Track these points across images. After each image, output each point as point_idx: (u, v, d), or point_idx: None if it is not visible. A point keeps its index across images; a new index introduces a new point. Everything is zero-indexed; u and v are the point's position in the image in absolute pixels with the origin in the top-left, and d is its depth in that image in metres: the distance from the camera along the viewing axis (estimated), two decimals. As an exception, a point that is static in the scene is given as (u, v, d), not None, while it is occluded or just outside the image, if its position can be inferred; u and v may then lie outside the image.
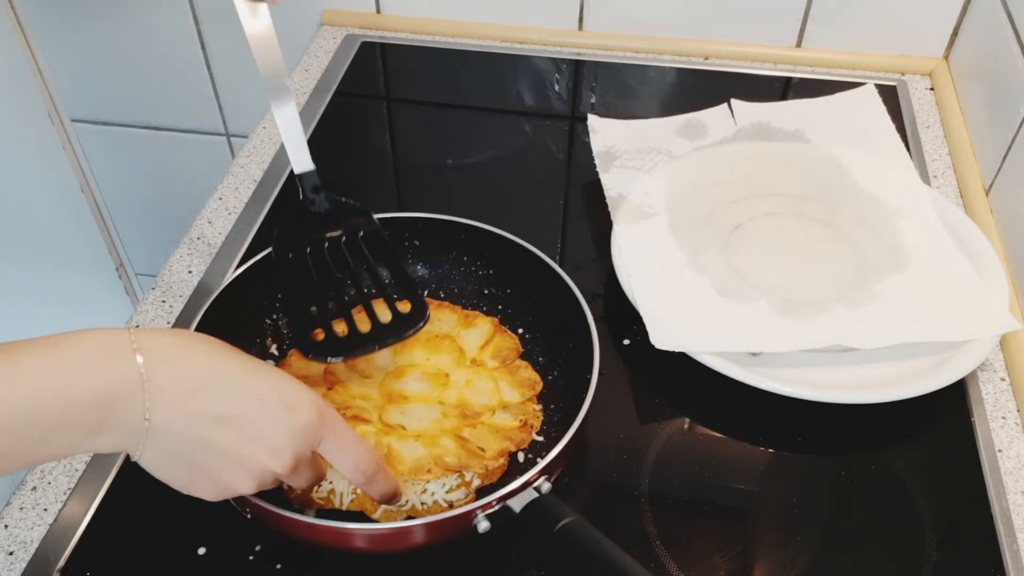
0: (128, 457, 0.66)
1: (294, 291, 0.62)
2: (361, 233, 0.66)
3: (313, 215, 0.66)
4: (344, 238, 0.66)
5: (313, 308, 0.63)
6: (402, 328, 0.62)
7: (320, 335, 0.62)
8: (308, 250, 0.65)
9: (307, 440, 0.50)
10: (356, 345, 0.62)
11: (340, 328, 0.63)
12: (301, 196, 0.66)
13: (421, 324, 0.62)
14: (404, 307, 0.64)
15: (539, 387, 0.68)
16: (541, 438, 0.65)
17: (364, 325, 0.63)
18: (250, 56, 0.62)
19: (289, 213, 0.65)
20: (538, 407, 0.67)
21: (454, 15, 1.13)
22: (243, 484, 0.50)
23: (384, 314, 0.63)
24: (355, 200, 0.67)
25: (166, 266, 0.82)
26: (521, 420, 0.64)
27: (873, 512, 0.64)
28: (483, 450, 0.61)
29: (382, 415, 0.64)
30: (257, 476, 0.50)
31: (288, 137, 0.65)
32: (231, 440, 0.48)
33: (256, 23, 0.62)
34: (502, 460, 0.62)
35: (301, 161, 0.65)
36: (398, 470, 0.59)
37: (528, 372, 0.68)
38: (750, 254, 0.80)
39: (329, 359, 0.61)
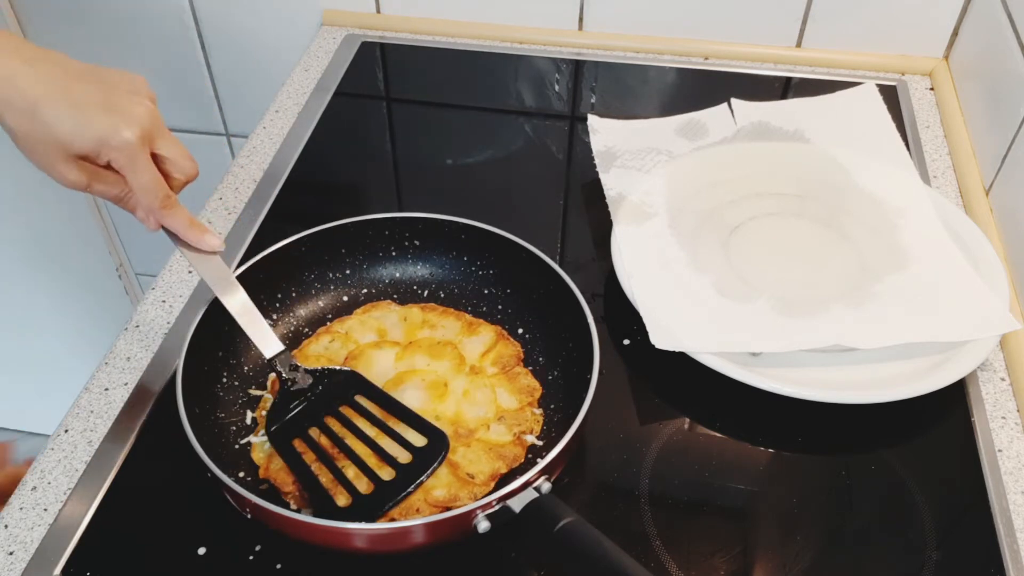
0: (128, 457, 0.66)
1: (305, 470, 0.61)
2: (351, 390, 0.65)
3: (298, 392, 0.65)
4: (336, 401, 0.64)
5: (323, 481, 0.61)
6: (425, 463, 0.60)
7: (344, 500, 0.60)
8: (306, 426, 0.63)
9: (154, 121, 0.59)
10: (385, 496, 0.59)
11: (363, 486, 0.60)
12: (279, 378, 0.65)
13: (444, 452, 0.60)
14: (419, 440, 0.62)
15: (538, 394, 0.68)
16: (541, 442, 0.65)
17: (386, 473, 0.60)
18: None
19: (276, 401, 0.64)
20: (538, 411, 0.67)
21: (454, 15, 1.13)
22: (105, 122, 0.57)
23: (403, 455, 0.61)
24: (326, 368, 0.67)
25: (166, 266, 0.82)
26: (516, 434, 0.64)
27: (873, 512, 0.64)
28: (472, 477, 0.61)
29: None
30: (127, 119, 0.57)
31: (248, 325, 0.64)
32: (96, 87, 0.58)
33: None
34: (492, 485, 0.61)
35: (271, 345, 0.64)
36: (388, 513, 0.59)
37: (528, 379, 0.68)
38: (750, 254, 0.80)
39: (365, 523, 0.58)
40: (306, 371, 0.65)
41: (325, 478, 0.60)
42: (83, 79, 0.58)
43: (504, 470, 0.62)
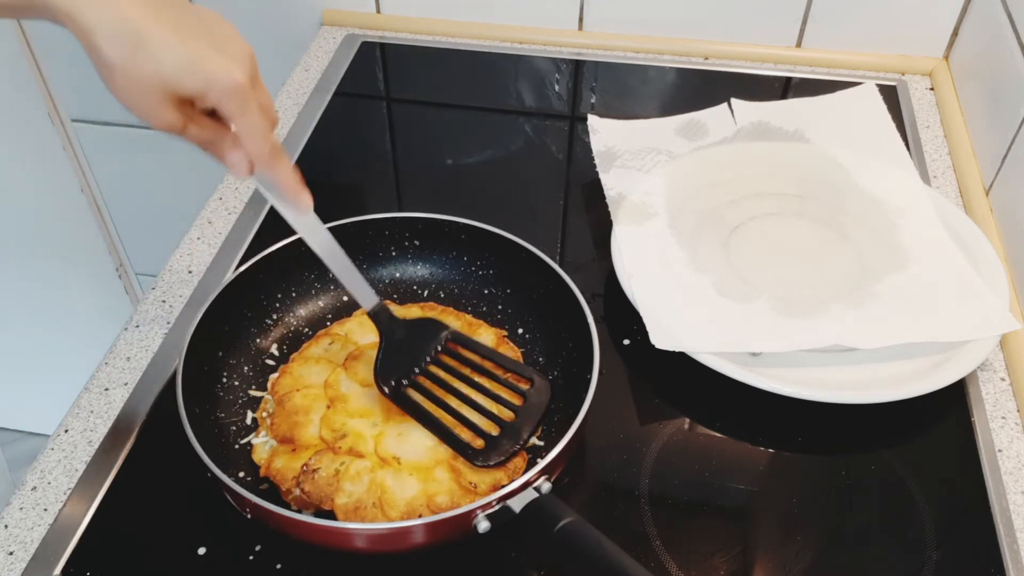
0: (128, 457, 0.66)
1: (435, 422, 0.64)
2: (447, 338, 0.68)
3: (398, 342, 0.67)
4: (436, 349, 0.67)
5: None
6: (540, 401, 0.65)
7: (478, 442, 0.63)
8: (416, 376, 0.66)
9: (255, 64, 0.54)
10: (515, 435, 0.63)
11: (487, 424, 0.64)
12: (380, 331, 0.66)
13: (550, 389, 0.65)
14: (524, 385, 0.66)
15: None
16: (542, 443, 0.65)
17: (507, 415, 0.64)
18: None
19: (381, 356, 0.66)
20: None
21: (454, 15, 1.13)
22: (219, 61, 0.51)
23: (514, 398, 0.65)
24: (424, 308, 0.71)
25: (166, 266, 0.82)
26: None
27: (873, 512, 0.64)
28: (475, 486, 0.61)
29: (378, 442, 0.63)
30: (231, 61, 0.52)
31: (348, 282, 0.65)
32: (199, 21, 0.53)
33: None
34: (492, 494, 0.61)
35: (368, 299, 0.66)
36: (390, 515, 0.59)
37: None
38: (750, 254, 0.80)
39: (503, 460, 0.62)
40: (404, 323, 0.67)
41: (451, 423, 0.63)
42: (179, 10, 0.52)
43: (505, 481, 0.61)
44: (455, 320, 0.72)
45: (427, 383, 0.66)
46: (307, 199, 0.60)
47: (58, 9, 0.49)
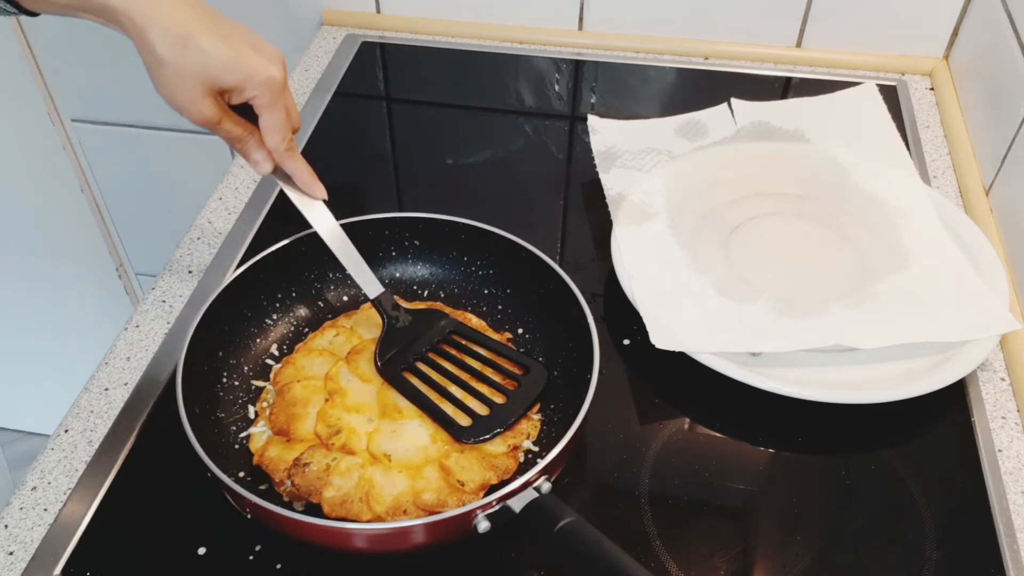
0: (128, 457, 0.66)
1: (424, 399, 0.65)
2: (448, 329, 0.70)
3: (400, 330, 0.69)
4: (437, 338, 0.70)
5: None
6: (533, 387, 0.66)
7: (466, 420, 0.64)
8: (413, 360, 0.68)
9: (286, 69, 0.62)
10: (505, 415, 0.65)
11: (478, 406, 0.66)
12: (384, 318, 0.69)
13: (548, 377, 0.67)
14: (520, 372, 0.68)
15: (537, 406, 0.67)
16: (537, 447, 0.65)
17: (499, 398, 0.66)
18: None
19: (383, 339, 0.69)
20: (536, 416, 0.67)
21: (454, 15, 1.13)
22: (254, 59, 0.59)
23: (508, 384, 0.67)
24: (426, 297, 0.74)
25: (166, 266, 0.82)
26: (510, 445, 0.64)
27: (873, 512, 0.64)
28: (463, 484, 0.61)
29: (371, 439, 0.63)
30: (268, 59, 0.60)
31: (352, 268, 0.69)
32: (236, 27, 0.60)
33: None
34: (480, 495, 0.61)
35: (372, 287, 0.69)
36: (375, 510, 0.59)
37: None
38: (750, 254, 0.80)
39: (488, 436, 0.63)
40: (407, 311, 0.70)
41: (443, 405, 0.65)
42: (222, 18, 0.60)
43: (494, 481, 0.62)
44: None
45: (424, 368, 0.67)
46: (321, 190, 0.68)
47: (116, 10, 0.57)
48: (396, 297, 0.71)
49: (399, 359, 0.68)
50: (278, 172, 0.67)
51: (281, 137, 0.63)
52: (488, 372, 0.68)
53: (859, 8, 1.04)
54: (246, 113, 0.63)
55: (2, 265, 1.49)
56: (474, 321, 0.73)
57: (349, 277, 0.76)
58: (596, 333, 0.64)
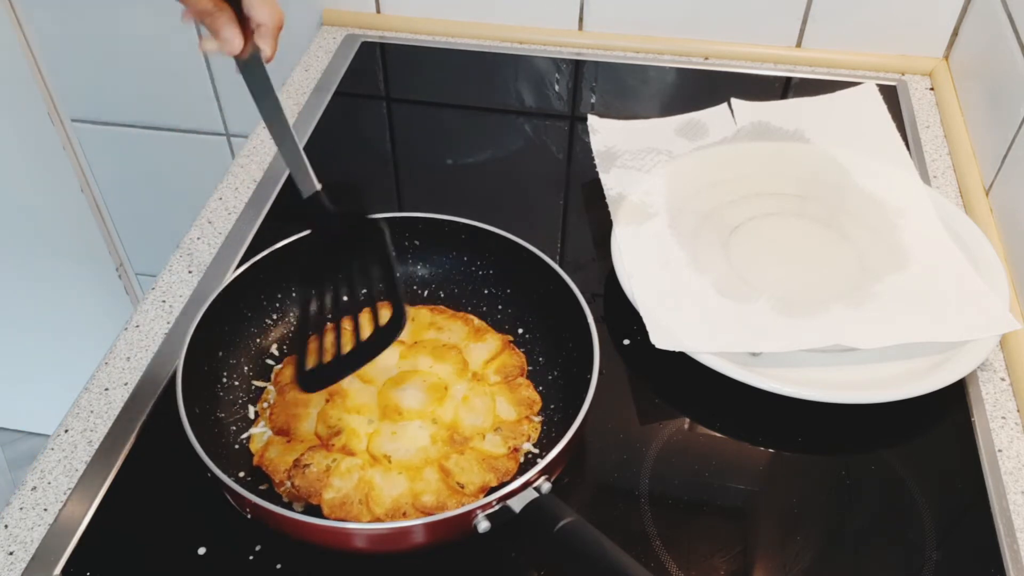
0: (128, 457, 0.66)
1: (301, 324, 0.63)
2: (366, 240, 0.64)
3: (327, 243, 0.65)
4: (353, 252, 0.64)
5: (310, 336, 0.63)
6: (377, 345, 0.61)
7: (312, 363, 0.62)
8: (326, 276, 0.64)
9: None
10: (337, 371, 0.62)
11: (331, 349, 0.62)
12: (314, 221, 0.65)
13: (395, 336, 0.61)
14: (387, 313, 0.62)
15: (537, 407, 0.67)
16: (537, 450, 0.65)
17: (349, 345, 0.62)
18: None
19: (308, 248, 0.66)
20: (537, 418, 0.67)
21: (454, 15, 1.13)
22: None
23: (366, 328, 0.62)
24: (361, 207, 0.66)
25: (166, 266, 0.82)
26: (510, 447, 0.64)
27: (873, 512, 0.64)
28: (462, 486, 0.61)
29: (371, 440, 0.63)
30: None
31: (288, 159, 0.64)
32: None
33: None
34: (480, 497, 0.61)
35: (306, 183, 0.64)
36: (375, 512, 0.59)
37: (528, 391, 0.68)
38: (750, 254, 0.80)
39: (315, 390, 0.62)
40: (338, 216, 0.64)
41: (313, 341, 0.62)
42: None
43: (494, 483, 0.61)
44: (463, 325, 0.72)
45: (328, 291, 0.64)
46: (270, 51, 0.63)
47: None
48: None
49: (317, 282, 0.63)
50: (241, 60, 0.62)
51: (270, 14, 0.60)
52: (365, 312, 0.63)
53: (859, 8, 1.04)
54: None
55: (2, 265, 1.49)
56: (475, 323, 0.73)
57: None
58: (596, 333, 0.64)
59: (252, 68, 0.62)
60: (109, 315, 1.58)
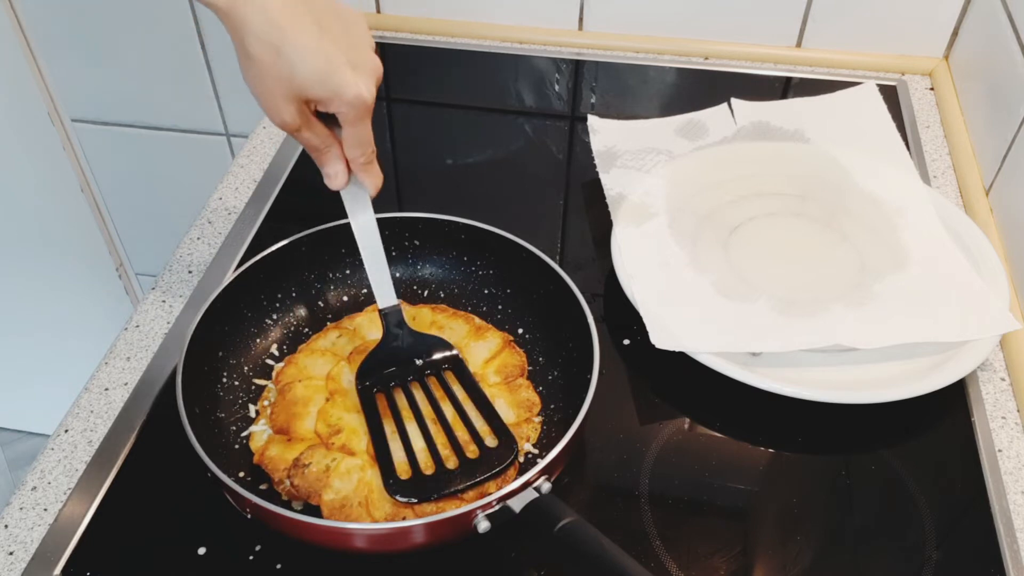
0: (128, 457, 0.66)
1: (380, 429, 0.63)
2: (445, 365, 0.67)
3: (395, 349, 0.67)
4: (428, 371, 0.66)
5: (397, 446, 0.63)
6: (489, 464, 0.61)
7: (405, 473, 0.61)
8: (392, 384, 0.66)
9: (379, 81, 0.60)
10: (443, 484, 0.60)
11: (427, 461, 0.62)
12: (385, 331, 0.67)
13: (511, 460, 0.61)
14: (491, 441, 0.63)
15: (537, 409, 0.67)
16: (537, 450, 0.65)
17: (451, 462, 0.61)
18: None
19: (373, 350, 0.67)
20: (537, 419, 0.67)
21: (454, 15, 1.13)
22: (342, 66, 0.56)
23: (470, 448, 0.62)
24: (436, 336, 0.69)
25: (166, 266, 0.82)
26: None
27: (873, 512, 0.64)
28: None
29: (371, 443, 0.63)
30: (355, 65, 0.57)
31: (372, 271, 0.66)
32: (340, 30, 0.57)
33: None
34: (480, 496, 0.60)
35: (386, 297, 0.67)
36: (374, 515, 0.59)
37: (528, 392, 0.68)
38: (750, 254, 0.80)
39: (415, 501, 0.59)
40: (410, 333, 0.67)
41: (395, 444, 0.62)
42: (326, 15, 0.57)
43: (493, 489, 0.61)
44: (464, 323, 0.72)
45: (401, 399, 0.65)
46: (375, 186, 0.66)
47: (217, 7, 0.56)
48: (403, 303, 0.68)
49: (380, 379, 0.65)
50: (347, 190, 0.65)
51: (361, 152, 0.62)
52: (459, 429, 0.63)
53: (859, 8, 1.04)
54: (332, 120, 0.61)
55: (2, 265, 1.49)
56: (476, 321, 0.73)
57: (350, 277, 0.76)
58: (596, 333, 0.64)
59: (354, 193, 0.65)
60: (109, 315, 1.58)
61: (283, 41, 0.55)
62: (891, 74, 1.07)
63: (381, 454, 0.61)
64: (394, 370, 0.66)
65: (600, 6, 1.09)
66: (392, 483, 0.59)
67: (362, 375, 0.65)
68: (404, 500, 0.58)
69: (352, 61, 0.57)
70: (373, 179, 0.64)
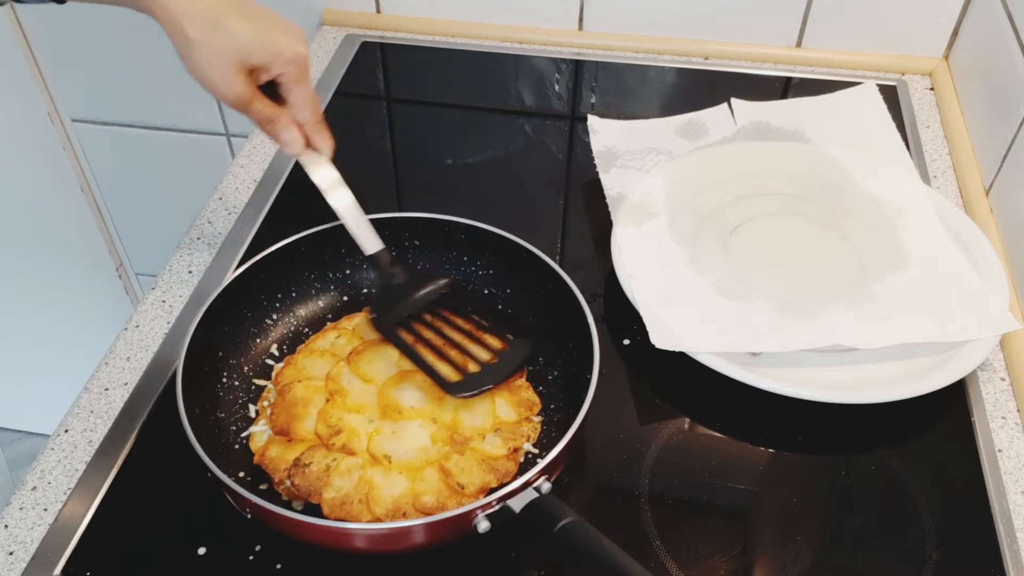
0: (128, 457, 0.66)
1: (417, 355, 0.67)
2: (443, 290, 0.71)
3: (396, 287, 0.71)
4: (431, 299, 0.71)
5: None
6: (520, 352, 0.67)
7: (455, 376, 0.65)
8: (407, 317, 0.70)
9: (307, 51, 0.65)
10: (493, 374, 0.65)
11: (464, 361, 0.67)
12: (380, 274, 0.71)
13: (530, 346, 0.67)
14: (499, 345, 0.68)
15: (536, 409, 0.67)
16: (536, 450, 0.65)
17: (473, 366, 0.66)
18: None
19: (377, 294, 0.72)
20: (537, 419, 0.67)
21: (454, 15, 1.13)
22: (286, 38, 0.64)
23: (484, 354, 0.67)
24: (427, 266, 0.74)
25: (166, 266, 0.82)
26: (510, 448, 0.64)
27: (873, 512, 0.64)
28: (463, 487, 0.61)
29: (372, 439, 0.63)
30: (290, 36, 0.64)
31: (352, 224, 0.70)
32: (264, 10, 0.64)
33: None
34: (480, 497, 0.60)
35: (372, 244, 0.71)
36: (375, 512, 0.59)
37: (528, 393, 0.68)
38: (750, 254, 0.80)
39: (477, 392, 0.64)
40: (405, 268, 0.71)
41: (433, 359, 0.66)
42: (248, 2, 0.64)
43: (494, 484, 0.61)
44: (463, 324, 0.72)
45: (417, 325, 0.69)
46: (332, 147, 0.71)
47: (150, 8, 0.62)
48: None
49: (394, 315, 0.69)
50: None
51: (312, 111, 0.67)
52: (479, 335, 0.69)
53: (859, 8, 1.04)
54: (273, 97, 0.67)
55: (2, 265, 1.49)
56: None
57: (350, 277, 0.76)
58: (596, 333, 0.64)
59: (312, 156, 0.70)
60: (109, 315, 1.58)
61: (218, 16, 0.62)
62: (891, 74, 1.07)
63: (427, 371, 0.65)
64: (402, 306, 0.70)
65: (600, 6, 1.09)
66: (451, 387, 0.64)
67: (376, 320, 0.69)
68: (471, 394, 0.63)
69: (281, 26, 0.64)
70: (327, 140, 0.70)
